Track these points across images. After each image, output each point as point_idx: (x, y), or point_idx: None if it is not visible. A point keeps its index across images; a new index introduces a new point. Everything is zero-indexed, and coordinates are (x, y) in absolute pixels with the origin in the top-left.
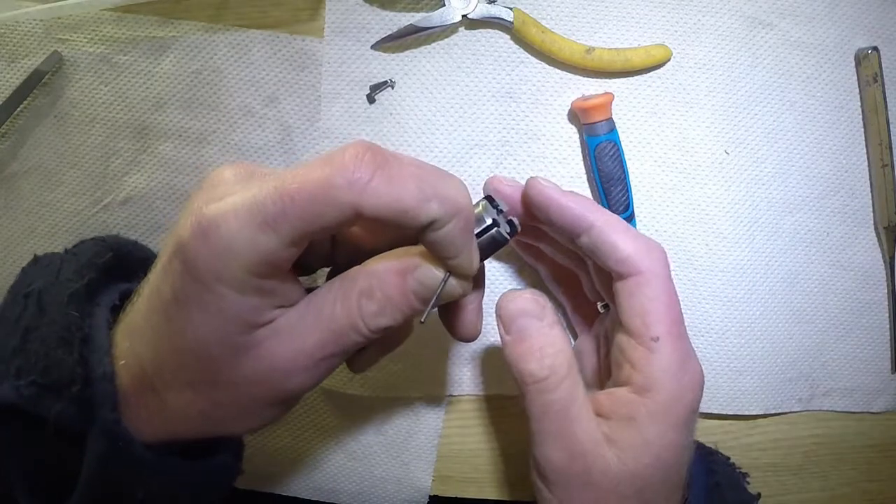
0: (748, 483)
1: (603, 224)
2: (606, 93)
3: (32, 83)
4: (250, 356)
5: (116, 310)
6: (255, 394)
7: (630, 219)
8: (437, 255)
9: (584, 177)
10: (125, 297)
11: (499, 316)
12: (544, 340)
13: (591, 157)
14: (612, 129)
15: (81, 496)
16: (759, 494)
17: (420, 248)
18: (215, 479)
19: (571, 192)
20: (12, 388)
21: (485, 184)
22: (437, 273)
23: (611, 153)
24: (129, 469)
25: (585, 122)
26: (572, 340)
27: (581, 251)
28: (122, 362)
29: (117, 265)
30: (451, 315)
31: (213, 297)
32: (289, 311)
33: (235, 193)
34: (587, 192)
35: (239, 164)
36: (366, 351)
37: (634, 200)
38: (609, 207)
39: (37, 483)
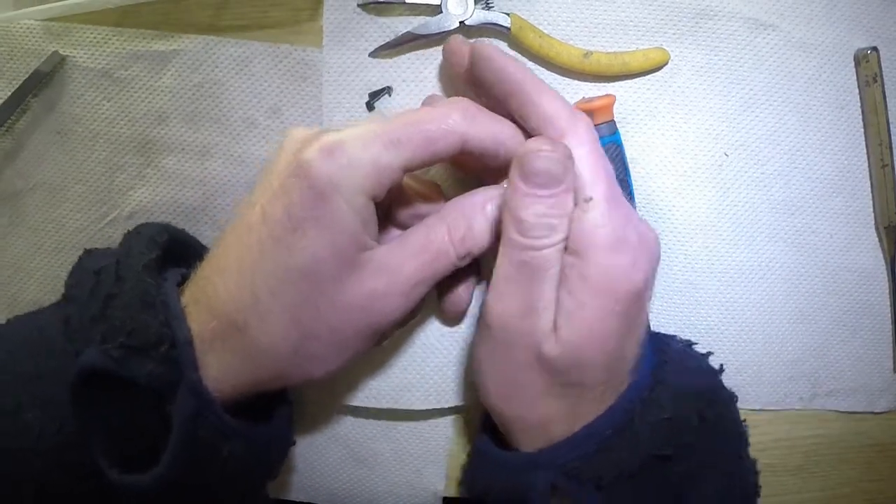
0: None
1: (530, 86)
2: (608, 94)
3: (32, 83)
4: (353, 279)
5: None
6: (352, 319)
7: None
8: None
9: None
10: (185, 278)
11: (521, 159)
12: (556, 204)
13: None
14: (615, 131)
15: (173, 455)
16: (721, 367)
17: (494, 186)
18: (276, 445)
19: (512, 58)
20: (99, 352)
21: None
22: None
23: (614, 155)
24: (213, 427)
25: None
26: None
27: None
28: (197, 327)
29: (171, 248)
30: (447, 289)
31: (329, 210)
32: (384, 246)
33: (344, 130)
34: None
35: (310, 126)
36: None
37: (635, 203)
38: None
39: (117, 448)
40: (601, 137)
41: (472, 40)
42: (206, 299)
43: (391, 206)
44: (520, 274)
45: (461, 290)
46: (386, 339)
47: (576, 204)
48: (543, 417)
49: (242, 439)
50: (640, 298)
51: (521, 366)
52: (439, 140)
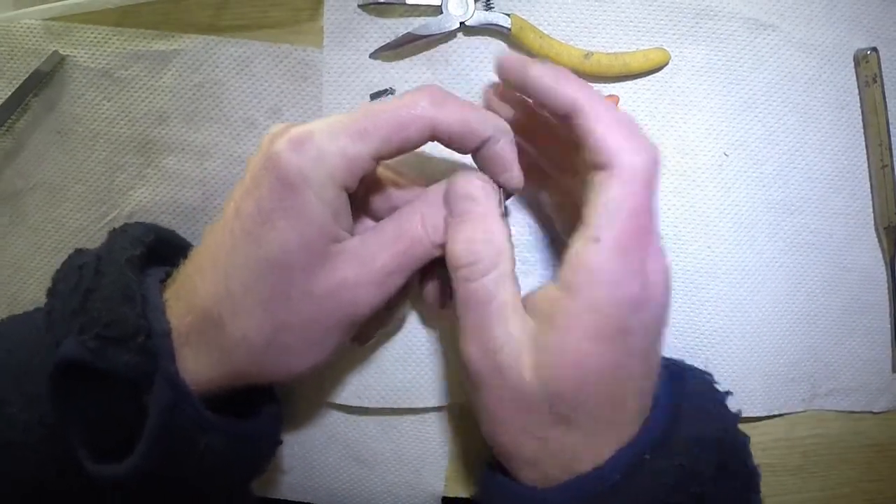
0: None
1: (589, 110)
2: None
3: (32, 83)
4: (325, 269)
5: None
6: (326, 309)
7: None
8: (492, 171)
9: None
10: (168, 276)
11: (446, 194)
12: (478, 227)
13: None
14: None
15: (148, 446)
16: (739, 412)
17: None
18: (261, 441)
19: (560, 70)
20: (76, 342)
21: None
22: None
23: None
24: (189, 419)
25: None
26: None
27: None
28: (175, 321)
29: (157, 248)
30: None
31: (298, 202)
32: (357, 237)
33: (314, 122)
34: None
35: (286, 122)
36: (365, 324)
37: None
38: None
39: (95, 440)
40: None
41: (473, 38)
42: (186, 295)
43: (367, 197)
44: (467, 311)
45: (442, 285)
46: (369, 340)
47: (581, 239)
48: (532, 455)
49: (221, 434)
50: (626, 346)
51: (498, 403)
52: (408, 126)
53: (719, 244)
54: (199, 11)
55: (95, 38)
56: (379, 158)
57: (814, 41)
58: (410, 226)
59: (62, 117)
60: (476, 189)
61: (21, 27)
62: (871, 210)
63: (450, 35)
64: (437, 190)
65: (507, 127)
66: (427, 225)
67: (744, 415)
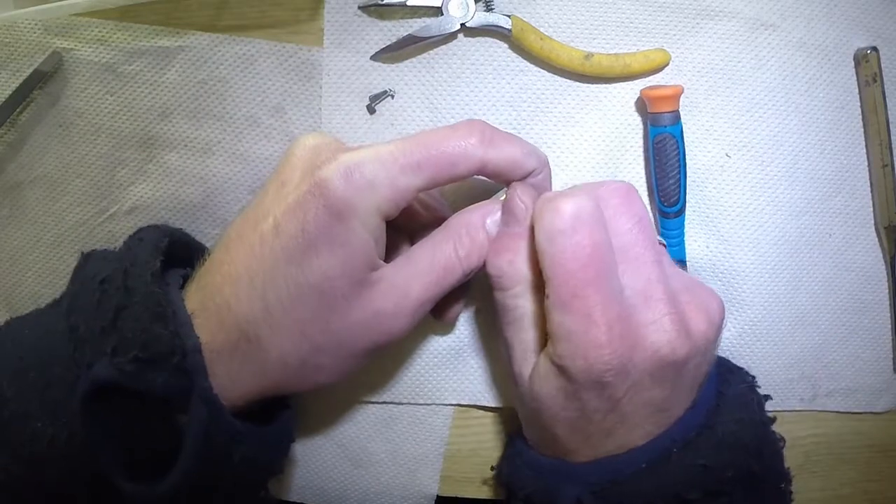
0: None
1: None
2: (677, 84)
3: (32, 83)
4: (362, 299)
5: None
6: (361, 336)
7: (680, 213)
8: None
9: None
10: (184, 279)
11: (506, 203)
12: (508, 245)
13: (651, 147)
14: (676, 123)
15: (188, 463)
16: (773, 418)
17: (491, 200)
18: (281, 444)
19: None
20: (111, 365)
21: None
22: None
23: (667, 147)
24: (225, 434)
25: (651, 112)
26: None
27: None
28: (206, 336)
29: (170, 249)
30: (445, 304)
31: (344, 231)
32: (391, 264)
33: (362, 150)
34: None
35: (320, 133)
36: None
37: (685, 199)
38: (659, 198)
39: (130, 458)
40: (662, 127)
41: (473, 40)
42: (216, 308)
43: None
44: (499, 313)
45: (453, 300)
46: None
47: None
48: (561, 441)
49: (250, 442)
50: (601, 380)
51: (513, 389)
52: (458, 164)
53: (720, 245)
54: (199, 11)
55: (99, 33)
56: (424, 190)
57: (814, 41)
58: (444, 255)
59: (65, 111)
60: (522, 212)
61: (20, 27)
62: (870, 209)
63: (450, 37)
64: (464, 217)
65: (547, 158)
66: (460, 254)
67: None
